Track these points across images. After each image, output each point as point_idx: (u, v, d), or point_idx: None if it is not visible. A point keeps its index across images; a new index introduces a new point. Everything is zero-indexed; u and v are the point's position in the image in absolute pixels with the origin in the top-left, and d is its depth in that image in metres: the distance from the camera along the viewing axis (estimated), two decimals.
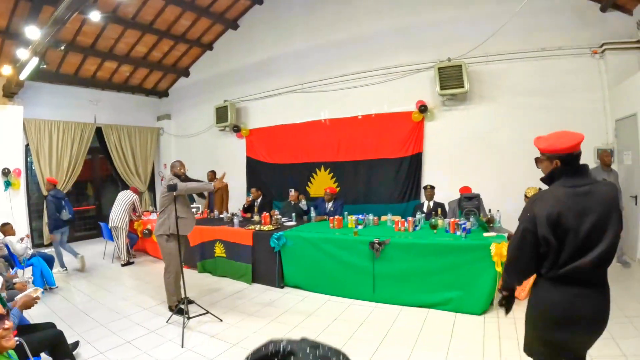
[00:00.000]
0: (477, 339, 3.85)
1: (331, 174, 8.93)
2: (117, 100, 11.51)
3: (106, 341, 4.16)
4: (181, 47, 10.78)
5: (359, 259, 5.15)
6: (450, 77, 7.13)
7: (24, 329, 3.19)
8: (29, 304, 3.07)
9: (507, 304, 2.38)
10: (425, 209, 6.61)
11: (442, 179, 7.21)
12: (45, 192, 8.84)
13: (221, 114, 10.27)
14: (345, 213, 6.32)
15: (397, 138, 8.03)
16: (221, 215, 7.91)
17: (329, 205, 7.18)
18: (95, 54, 9.71)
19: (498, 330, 4.01)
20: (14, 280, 4.51)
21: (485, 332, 4.00)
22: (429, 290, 4.73)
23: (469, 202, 5.82)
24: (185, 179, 5.04)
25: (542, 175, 2.20)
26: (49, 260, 6.40)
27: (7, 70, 7.54)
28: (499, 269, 4.18)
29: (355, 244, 5.21)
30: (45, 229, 9.24)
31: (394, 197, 8.05)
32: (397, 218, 5.83)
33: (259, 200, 8.15)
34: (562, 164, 2.06)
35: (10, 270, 5.28)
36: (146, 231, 7.90)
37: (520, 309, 4.39)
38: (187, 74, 11.96)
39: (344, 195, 8.22)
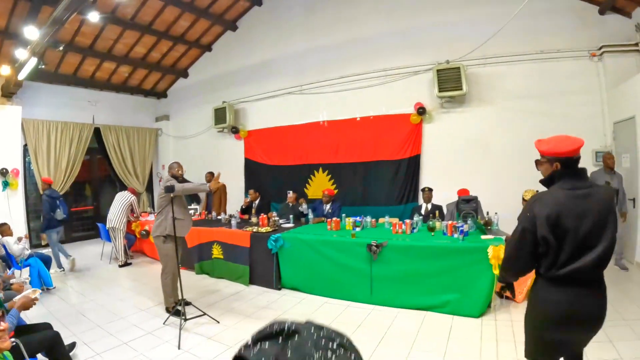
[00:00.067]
0: (475, 341, 3.85)
1: (329, 176, 8.92)
2: (116, 100, 11.50)
3: (103, 342, 4.15)
4: (180, 48, 10.78)
5: (356, 261, 5.14)
6: (449, 80, 7.15)
7: (20, 329, 3.18)
8: (28, 304, 3.06)
9: (508, 289, 2.48)
10: (423, 211, 6.61)
11: (440, 182, 7.22)
12: (41, 192, 8.83)
13: (220, 115, 10.27)
14: (343, 215, 6.31)
15: (395, 140, 8.04)
16: (219, 217, 7.90)
17: (327, 207, 7.17)
18: (94, 54, 9.71)
19: (495, 333, 4.00)
20: (11, 281, 4.49)
21: (483, 334, 3.99)
22: (426, 293, 4.72)
23: (467, 205, 5.81)
24: (183, 180, 5.03)
25: (541, 177, 2.25)
26: (47, 261, 6.38)
27: (6, 70, 7.53)
28: (497, 271, 4.18)
29: (353, 246, 5.21)
30: None
31: (392, 199, 8.05)
32: (395, 220, 5.82)
33: (257, 201, 8.15)
34: (562, 166, 2.10)
35: (8, 270, 5.27)
36: (144, 232, 7.88)
37: (518, 311, 4.43)
38: (185, 75, 11.96)
39: (341, 197, 8.23)
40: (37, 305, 3.19)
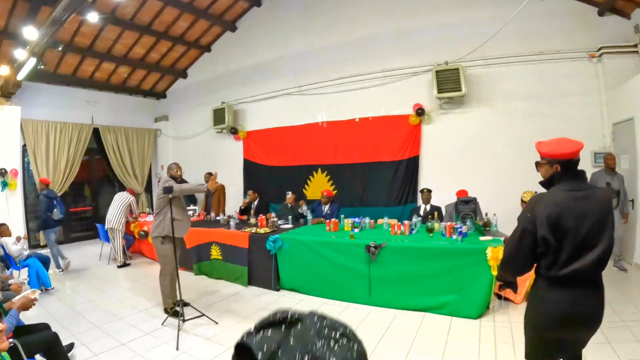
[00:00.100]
0: (473, 343, 3.85)
1: (328, 177, 8.92)
2: (115, 101, 11.49)
3: (101, 343, 4.14)
4: (179, 49, 10.78)
5: (355, 262, 5.14)
6: (448, 81, 7.15)
7: (18, 330, 3.18)
8: (27, 305, 3.06)
9: (507, 287, 2.51)
10: (421, 212, 6.61)
11: (438, 183, 7.23)
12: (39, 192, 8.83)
13: (219, 116, 10.26)
14: (342, 216, 6.30)
15: (394, 141, 8.04)
16: (218, 218, 7.89)
17: (326, 208, 7.17)
18: (93, 54, 9.70)
19: (494, 334, 4.00)
20: (9, 282, 4.49)
21: (481, 336, 3.99)
22: (424, 294, 4.72)
23: (466, 206, 5.82)
24: (181, 181, 5.03)
25: (540, 179, 2.29)
26: (45, 262, 6.38)
27: (5, 70, 7.51)
28: (495, 273, 4.18)
29: (351, 247, 5.20)
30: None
31: (391, 200, 8.05)
32: (394, 221, 5.81)
33: (255, 202, 8.14)
34: (562, 168, 2.13)
35: (6, 271, 5.26)
36: (142, 233, 7.87)
37: (516, 313, 4.43)
38: (185, 76, 11.95)
39: (340, 198, 8.23)
40: (36, 306, 3.18)
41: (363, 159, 8.43)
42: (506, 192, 6.24)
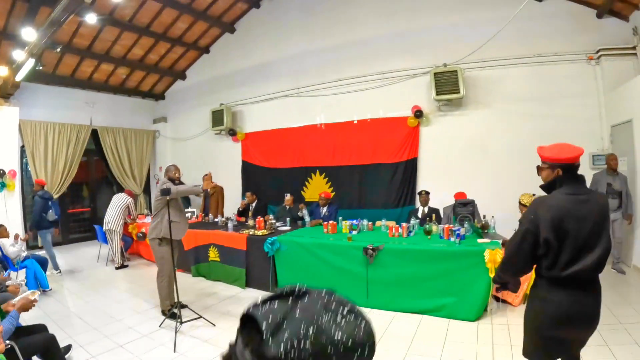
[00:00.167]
0: (471, 345, 3.84)
1: (326, 179, 8.92)
2: (113, 102, 11.48)
3: (99, 345, 4.13)
4: (178, 50, 10.78)
5: (352, 264, 5.13)
6: (446, 83, 7.16)
7: (15, 331, 3.17)
8: (27, 306, 3.05)
9: (505, 288, 2.57)
10: (419, 214, 6.60)
11: (437, 185, 7.22)
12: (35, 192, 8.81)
13: (217, 118, 10.26)
14: (340, 218, 6.30)
15: (392, 143, 8.04)
16: (216, 219, 7.88)
17: (324, 210, 7.16)
18: (92, 56, 9.69)
19: (492, 336, 4.00)
20: (7, 283, 4.47)
21: (479, 338, 3.99)
22: (422, 296, 4.71)
23: (464, 208, 5.82)
24: (179, 183, 5.03)
25: (540, 182, 2.36)
26: (43, 263, 6.36)
27: (4, 71, 7.50)
28: (493, 275, 4.17)
29: (349, 250, 5.19)
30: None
31: (389, 203, 8.05)
32: (392, 223, 5.81)
33: (254, 204, 8.13)
34: (563, 173, 2.20)
35: (3, 272, 5.24)
36: (140, 234, 7.85)
37: (514, 315, 4.43)
38: (183, 77, 11.96)
39: (338, 200, 8.23)
40: (33, 307, 3.18)
41: (361, 160, 8.44)
42: (504, 194, 6.24)
